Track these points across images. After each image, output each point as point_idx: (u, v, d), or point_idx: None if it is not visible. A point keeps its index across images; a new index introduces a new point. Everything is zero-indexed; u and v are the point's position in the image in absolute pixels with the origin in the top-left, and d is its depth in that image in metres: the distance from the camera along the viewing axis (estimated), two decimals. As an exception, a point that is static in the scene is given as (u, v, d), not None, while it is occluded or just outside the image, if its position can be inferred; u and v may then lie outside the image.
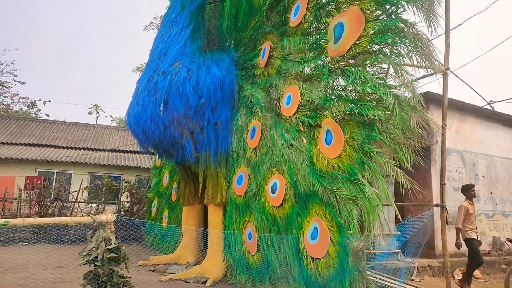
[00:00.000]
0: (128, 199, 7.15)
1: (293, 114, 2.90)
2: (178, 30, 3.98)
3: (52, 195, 6.83)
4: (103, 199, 7.48)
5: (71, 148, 9.93)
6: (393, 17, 2.13)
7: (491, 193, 5.43)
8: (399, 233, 3.60)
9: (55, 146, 9.91)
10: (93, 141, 10.77)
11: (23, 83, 17.57)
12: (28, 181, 7.03)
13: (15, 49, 23.68)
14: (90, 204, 7.16)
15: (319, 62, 2.73)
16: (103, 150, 10.26)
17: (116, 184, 7.66)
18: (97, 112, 21.39)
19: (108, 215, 2.02)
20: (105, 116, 27.63)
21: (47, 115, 19.24)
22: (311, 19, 2.93)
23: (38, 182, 6.88)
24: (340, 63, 2.44)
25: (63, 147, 9.92)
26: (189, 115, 3.67)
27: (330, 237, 2.28)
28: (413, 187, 2.06)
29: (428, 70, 2.14)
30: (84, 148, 10.06)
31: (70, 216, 6.01)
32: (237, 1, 4.27)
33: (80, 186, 7.04)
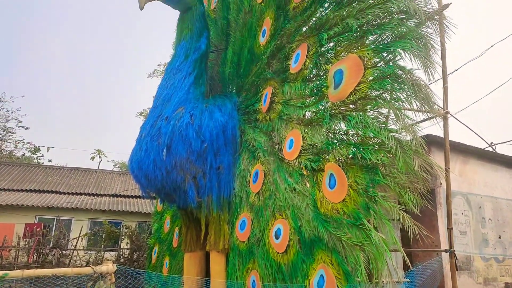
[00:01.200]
0: (128, 246, 7.00)
1: (296, 158, 2.90)
2: (182, 77, 4.09)
3: (51, 242, 6.69)
4: (102, 246, 7.32)
5: (72, 193, 9.89)
6: (391, 64, 2.20)
7: (500, 237, 5.30)
8: (408, 280, 3.48)
9: (56, 192, 9.88)
10: (94, 186, 10.73)
11: (27, 128, 17.79)
12: (27, 228, 6.93)
13: (22, 96, 24.23)
14: (89, 252, 7.00)
15: (320, 107, 2.77)
16: (104, 195, 10.20)
17: (116, 230, 7.53)
18: (100, 157, 21.50)
19: (109, 265, 1.97)
20: (108, 161, 27.71)
21: (49, 160, 19.32)
22: (311, 66, 3.02)
23: (38, 229, 6.79)
24: (341, 108, 2.48)
25: (64, 193, 9.88)
26: (191, 159, 3.68)
27: (337, 286, 2.20)
28: (421, 232, 2.02)
29: (428, 114, 2.18)
30: (85, 194, 10.01)
31: (68, 264, 5.86)
32: (239, 50, 4.42)
33: (80, 232, 6.92)
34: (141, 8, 3.47)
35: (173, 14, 4.37)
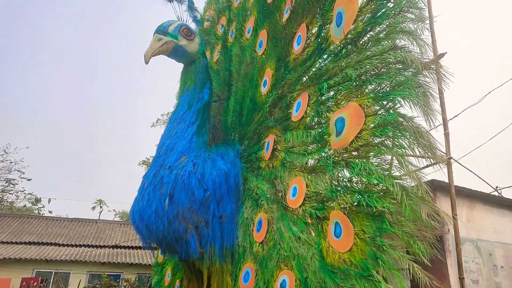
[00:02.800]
0: (127, 301, 6.72)
1: (300, 206, 2.86)
2: (185, 127, 4.14)
3: (47, 297, 6.44)
4: (99, 301, 7.04)
5: (71, 245, 9.68)
6: (392, 112, 2.23)
7: (515, 286, 5.09)
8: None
9: (55, 244, 9.68)
10: (94, 237, 10.53)
11: (30, 179, 17.76)
12: (24, 283, 6.70)
13: (26, 147, 24.48)
14: (86, 308, 6.71)
15: (323, 154, 2.78)
16: (104, 246, 9.98)
17: (115, 284, 7.27)
18: (101, 207, 21.29)
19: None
20: (109, 211, 27.43)
21: (50, 212, 19.10)
22: (312, 114, 3.06)
23: (35, 284, 6.56)
24: (344, 155, 2.49)
25: (63, 245, 9.68)
26: (194, 208, 3.63)
27: None
28: (432, 283, 1.94)
29: (432, 160, 2.18)
30: (84, 245, 9.80)
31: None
32: (241, 99, 4.53)
33: (78, 287, 6.68)
34: (147, 62, 3.60)
35: (177, 66, 4.52)
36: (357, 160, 2.35)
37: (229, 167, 3.94)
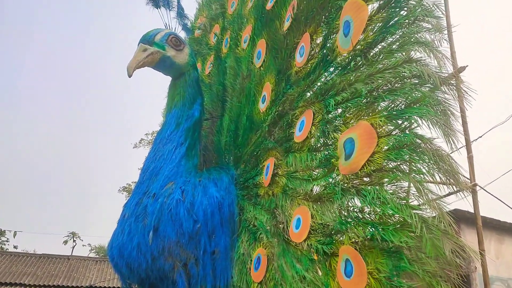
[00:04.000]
0: None
1: (304, 240, 2.84)
2: (172, 148, 4.15)
3: None
4: None
5: (40, 286, 9.51)
6: (408, 132, 2.25)
7: (554, 332, 5.01)
8: None
9: (20, 285, 9.50)
10: (66, 277, 10.37)
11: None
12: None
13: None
14: None
15: (330, 180, 2.78)
16: (77, 287, 9.81)
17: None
18: (74, 241, 21.04)
19: None
20: (83, 245, 27.03)
21: (15, 247, 18.83)
22: (318, 134, 3.08)
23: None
24: (354, 182, 2.48)
25: (30, 286, 9.51)
26: (182, 243, 3.59)
27: None
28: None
29: (454, 187, 2.18)
30: (54, 286, 9.63)
31: None
32: (236, 117, 4.55)
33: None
34: (130, 75, 3.63)
35: (164, 79, 4.56)
36: (369, 187, 2.34)
37: (223, 194, 3.92)
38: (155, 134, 4.89)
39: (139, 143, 15.21)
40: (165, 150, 4.15)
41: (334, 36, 3.15)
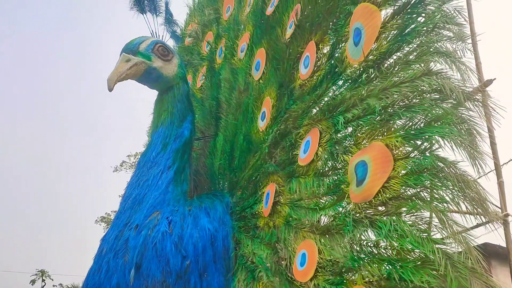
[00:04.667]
0: None
1: (311, 280, 2.81)
2: (159, 173, 4.14)
3: None
4: None
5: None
6: (428, 154, 2.25)
7: None
8: None
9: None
10: (32, 322, 10.19)
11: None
12: None
13: None
14: None
15: (340, 209, 2.77)
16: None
17: None
18: (43, 280, 20.80)
19: None
20: (53, 286, 26.71)
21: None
22: (325, 156, 3.09)
23: None
24: (368, 211, 2.48)
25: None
26: (168, 283, 3.56)
27: None
28: None
29: (483, 217, 2.17)
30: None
31: None
32: (232, 136, 4.57)
33: None
34: (111, 89, 3.65)
35: (150, 93, 4.58)
36: (385, 218, 2.34)
37: (216, 226, 3.90)
38: (139, 156, 4.88)
39: (120, 166, 15.22)
40: (150, 174, 4.15)
41: (343, 45, 3.20)
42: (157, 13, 5.07)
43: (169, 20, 5.49)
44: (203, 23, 5.89)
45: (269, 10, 4.36)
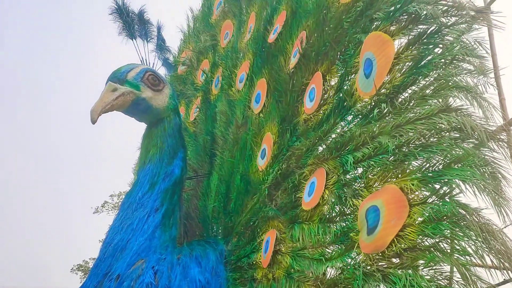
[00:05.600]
0: None
1: None
2: (145, 215, 4.11)
3: None
4: None
5: None
6: (448, 200, 2.24)
7: None
8: None
9: None
10: None
11: None
12: None
13: None
14: None
15: (349, 260, 2.74)
16: None
17: None
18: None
19: None
20: None
21: None
22: (333, 200, 3.07)
23: None
24: (380, 263, 2.45)
25: None
26: None
27: None
28: None
29: (510, 272, 2.15)
30: None
31: None
32: (228, 176, 4.56)
33: None
34: (94, 121, 3.65)
35: (137, 126, 4.60)
36: (399, 272, 2.31)
37: (208, 278, 3.85)
38: (123, 197, 4.85)
39: (102, 207, 15.09)
40: (135, 217, 4.11)
41: (352, 77, 3.23)
42: (148, 38, 5.13)
43: (161, 47, 5.55)
44: (198, 50, 5.98)
45: (272, 38, 4.43)
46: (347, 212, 2.94)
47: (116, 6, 4.85)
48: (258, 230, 3.89)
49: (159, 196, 4.21)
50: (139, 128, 4.59)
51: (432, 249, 2.23)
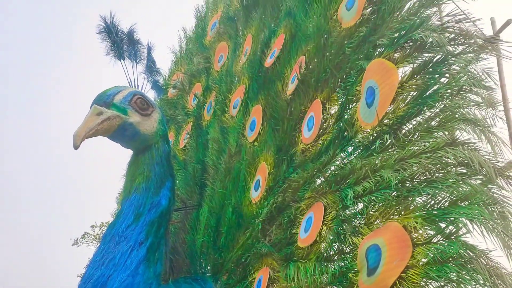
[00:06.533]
0: None
1: None
2: (128, 249, 4.07)
3: None
4: None
5: None
6: (454, 240, 2.24)
7: None
8: None
9: None
10: None
11: None
12: None
13: None
14: None
15: (347, 304, 2.73)
16: None
17: None
18: None
19: None
20: None
21: None
22: (331, 237, 3.06)
23: None
24: (381, 307, 2.44)
25: None
26: None
27: None
28: None
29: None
30: None
31: None
32: (219, 208, 4.54)
33: None
34: (77, 146, 3.63)
35: (122, 152, 4.58)
36: (403, 316, 2.30)
37: (195, 319, 3.81)
38: (105, 228, 4.81)
39: (82, 238, 14.97)
40: (118, 251, 4.07)
41: (353, 105, 3.25)
42: (138, 59, 5.13)
43: (151, 68, 5.54)
44: (190, 73, 6.01)
45: (269, 62, 4.47)
46: (346, 251, 2.93)
47: (104, 25, 4.87)
48: (250, 267, 3.87)
49: (144, 229, 4.18)
50: (125, 154, 4.59)
51: (437, 293, 2.24)
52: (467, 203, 2.28)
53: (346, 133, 3.21)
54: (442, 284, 2.23)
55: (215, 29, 6.11)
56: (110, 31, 4.91)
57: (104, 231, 5.00)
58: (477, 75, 2.55)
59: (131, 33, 5.08)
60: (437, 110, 2.61)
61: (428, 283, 2.27)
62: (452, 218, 2.30)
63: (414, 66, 2.78)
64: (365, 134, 3.04)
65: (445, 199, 2.38)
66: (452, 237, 2.27)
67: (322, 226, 3.15)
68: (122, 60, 5.00)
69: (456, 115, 2.49)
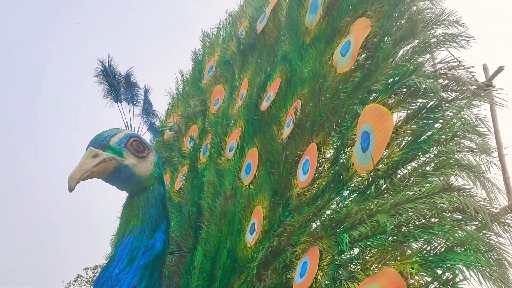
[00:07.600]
0: None
1: None
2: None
3: None
4: None
5: None
6: (450, 287, 2.22)
7: None
8: None
9: None
10: None
11: None
12: None
13: None
14: None
15: None
16: None
17: None
18: None
19: None
20: None
21: None
22: (326, 282, 3.03)
23: None
24: None
25: None
26: None
27: None
28: None
29: None
30: None
31: None
32: (214, 252, 4.51)
33: None
34: (71, 189, 3.62)
35: (116, 194, 4.56)
36: None
37: None
38: (98, 270, 4.76)
39: (75, 281, 14.73)
40: (109, 298, 4.03)
41: (349, 149, 3.27)
42: (134, 102, 5.16)
43: (148, 111, 5.59)
44: (187, 115, 6.05)
45: (264, 105, 4.51)
46: (344, 297, 2.91)
47: (102, 68, 4.93)
48: (245, 313, 3.82)
49: (137, 272, 4.13)
50: (120, 196, 4.57)
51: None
52: (463, 249, 2.27)
53: (341, 177, 3.21)
54: None
55: (211, 72, 6.18)
56: (108, 74, 4.96)
57: (97, 274, 4.95)
58: (471, 121, 2.57)
59: (128, 76, 5.13)
60: (432, 155, 2.61)
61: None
62: (449, 265, 2.28)
63: (409, 111, 2.80)
64: (360, 178, 3.04)
65: (441, 245, 2.36)
66: (449, 284, 2.25)
67: (317, 271, 3.12)
68: (119, 103, 5.04)
69: (451, 161, 2.50)
